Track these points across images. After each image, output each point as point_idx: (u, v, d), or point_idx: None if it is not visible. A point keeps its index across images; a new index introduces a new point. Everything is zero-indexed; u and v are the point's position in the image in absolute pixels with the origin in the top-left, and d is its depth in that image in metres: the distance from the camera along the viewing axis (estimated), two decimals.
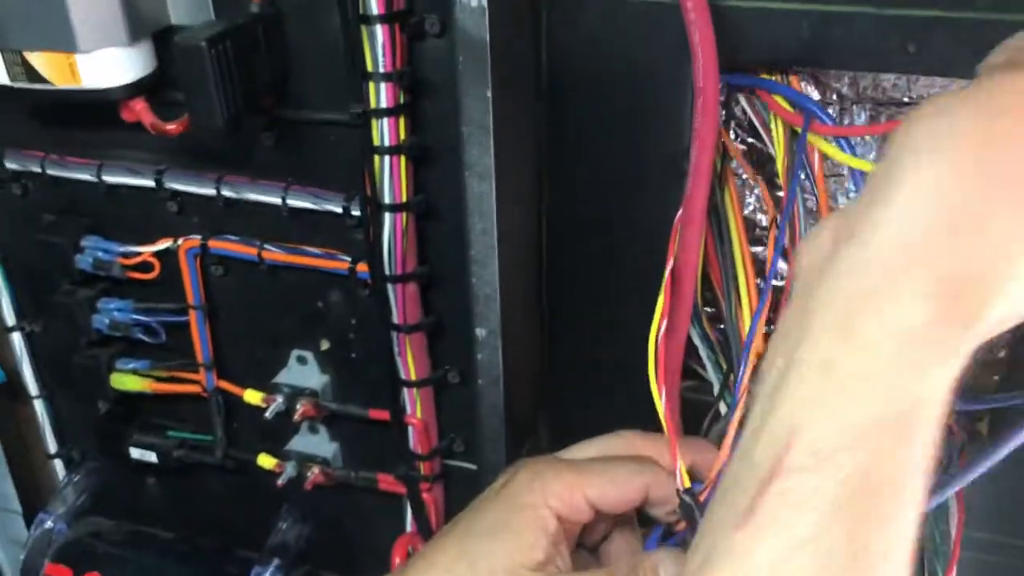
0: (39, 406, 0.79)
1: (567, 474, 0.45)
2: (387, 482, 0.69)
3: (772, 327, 0.56)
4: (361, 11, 0.51)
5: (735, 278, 0.56)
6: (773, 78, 0.53)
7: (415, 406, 0.64)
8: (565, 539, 0.45)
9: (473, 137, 0.44)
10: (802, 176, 0.51)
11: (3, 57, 0.56)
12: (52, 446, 0.81)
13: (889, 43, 0.47)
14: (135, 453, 0.76)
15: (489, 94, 0.43)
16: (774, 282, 0.55)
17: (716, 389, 0.59)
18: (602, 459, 0.48)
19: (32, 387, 0.78)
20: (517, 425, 0.56)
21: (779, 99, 0.51)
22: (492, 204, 0.46)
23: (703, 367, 0.60)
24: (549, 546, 0.43)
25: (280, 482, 0.70)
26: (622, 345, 0.58)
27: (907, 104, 0.56)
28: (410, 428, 0.64)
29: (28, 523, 0.86)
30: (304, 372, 0.69)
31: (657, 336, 0.51)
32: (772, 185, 0.56)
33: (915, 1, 0.46)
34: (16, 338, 0.76)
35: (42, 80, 0.56)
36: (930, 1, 0.45)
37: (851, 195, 0.59)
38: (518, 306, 0.53)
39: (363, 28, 0.51)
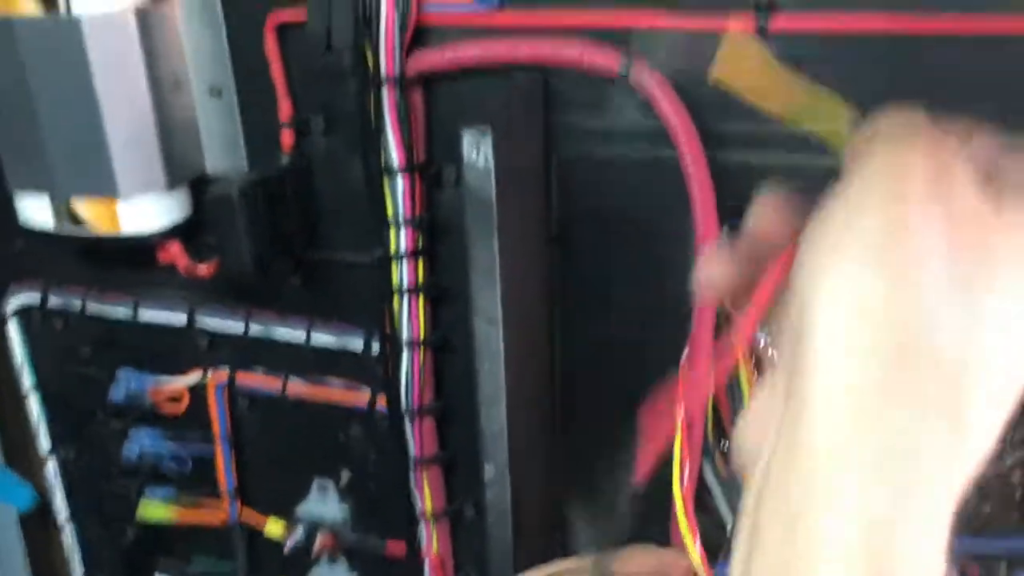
0: (68, 531, 0.81)
1: None
2: None
3: None
4: (383, 163, 0.54)
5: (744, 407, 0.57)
6: None
7: (431, 539, 0.64)
8: None
9: (481, 283, 0.47)
10: None
11: (51, 205, 0.60)
12: (79, 572, 0.82)
13: None
14: None
15: (495, 244, 0.46)
16: None
17: (729, 528, 0.59)
18: None
19: (62, 512, 0.80)
20: (527, 558, 0.56)
21: None
22: (500, 346, 0.48)
23: (715, 504, 0.61)
24: None
25: None
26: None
27: None
28: (426, 561, 0.64)
29: None
30: (325, 502, 0.70)
31: (682, 484, 0.51)
32: None
33: None
34: (51, 464, 0.78)
35: (85, 225, 0.60)
36: None
37: None
38: (529, 443, 0.54)
39: (385, 178, 0.55)
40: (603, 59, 0.49)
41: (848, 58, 0.47)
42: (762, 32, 0.47)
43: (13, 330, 0.73)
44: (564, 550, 0.64)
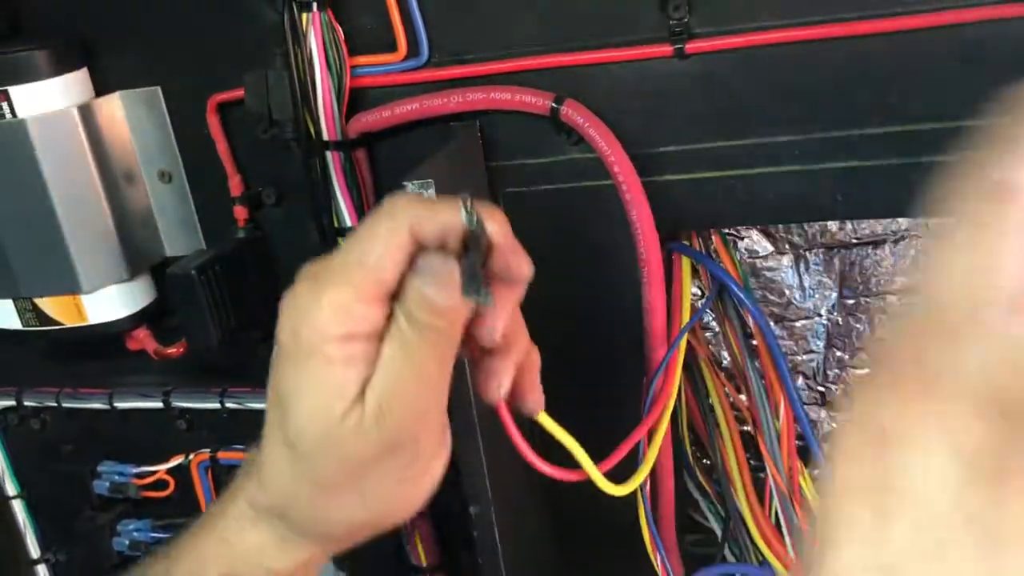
0: None
1: (332, 292, 0.34)
2: None
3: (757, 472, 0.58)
4: (336, 224, 0.56)
5: (717, 426, 0.58)
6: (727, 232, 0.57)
7: None
8: (368, 333, 0.35)
9: None
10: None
11: (16, 305, 0.60)
12: None
13: (819, 195, 0.50)
14: None
15: None
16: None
17: (720, 537, 0.59)
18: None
19: None
20: None
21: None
22: (468, 387, 0.49)
23: (705, 517, 0.61)
24: (350, 377, 0.34)
25: None
26: (617, 502, 0.59)
27: (856, 245, 0.59)
28: None
29: None
30: (320, 571, 0.70)
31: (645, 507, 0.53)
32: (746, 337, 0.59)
33: (837, 154, 0.50)
34: (42, 571, 0.77)
35: (52, 322, 0.60)
36: (851, 153, 0.49)
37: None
38: (509, 479, 0.55)
39: (340, 240, 0.56)
40: (534, 99, 0.51)
41: (760, 71, 0.49)
42: (680, 54, 0.49)
43: None
44: None
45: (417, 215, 0.35)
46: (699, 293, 0.61)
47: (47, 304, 0.60)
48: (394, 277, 0.35)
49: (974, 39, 0.46)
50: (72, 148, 0.57)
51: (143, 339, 0.63)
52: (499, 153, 0.54)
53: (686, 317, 0.55)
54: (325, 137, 0.53)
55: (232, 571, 0.39)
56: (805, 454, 0.57)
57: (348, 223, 0.55)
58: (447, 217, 0.34)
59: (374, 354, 0.35)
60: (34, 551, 0.76)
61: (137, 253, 0.61)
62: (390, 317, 0.35)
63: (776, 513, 0.57)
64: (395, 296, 0.35)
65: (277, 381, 0.36)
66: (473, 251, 0.34)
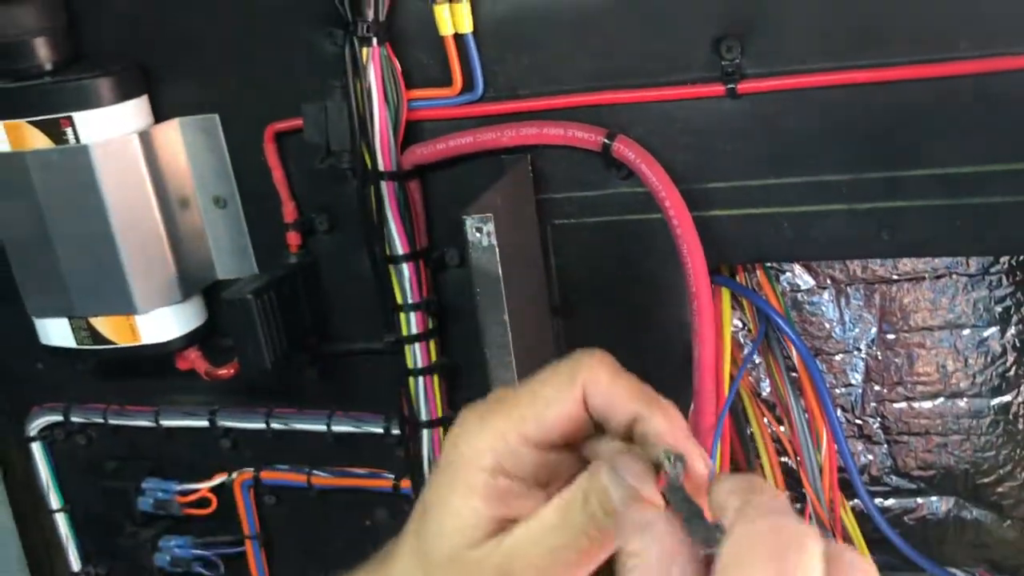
0: None
1: (495, 420, 0.36)
2: None
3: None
4: (388, 252, 0.57)
5: (758, 457, 0.59)
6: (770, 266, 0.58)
7: None
8: (519, 479, 0.36)
9: (496, 358, 0.49)
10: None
11: (71, 324, 0.62)
12: None
13: (865, 233, 0.51)
14: None
15: (506, 319, 0.48)
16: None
17: None
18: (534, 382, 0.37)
19: None
20: None
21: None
22: None
23: None
24: (488, 513, 0.35)
25: None
26: None
27: (896, 281, 0.60)
28: None
29: None
30: None
31: None
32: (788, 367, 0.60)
33: (882, 195, 0.51)
34: None
35: (106, 341, 0.62)
36: (895, 193, 0.50)
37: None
38: None
39: (391, 267, 0.57)
40: (586, 135, 0.52)
41: (810, 112, 0.50)
42: (732, 94, 0.50)
43: (37, 451, 0.74)
44: None
45: (594, 383, 0.35)
46: (739, 325, 0.62)
47: (101, 324, 0.62)
48: (560, 432, 0.35)
49: (1019, 86, 0.47)
50: (131, 173, 0.59)
51: (194, 359, 0.64)
52: (549, 186, 0.56)
53: (727, 347, 0.56)
54: (381, 168, 0.55)
55: None
56: (845, 487, 0.58)
57: (400, 251, 0.57)
58: (621, 403, 0.35)
59: (521, 500, 0.35)
60: (75, 564, 0.78)
61: (190, 276, 0.62)
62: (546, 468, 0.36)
63: None
64: (565, 446, 0.36)
65: (427, 487, 0.37)
66: (678, 500, 0.31)
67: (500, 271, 0.47)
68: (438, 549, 0.35)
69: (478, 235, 0.46)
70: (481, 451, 0.35)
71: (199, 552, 0.72)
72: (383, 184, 0.55)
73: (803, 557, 0.27)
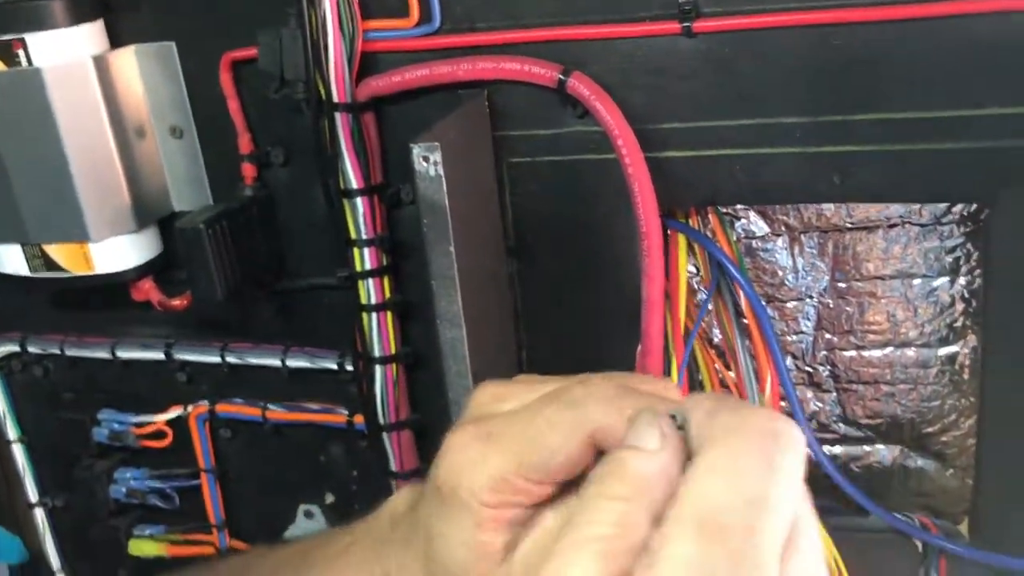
0: None
1: (496, 459, 0.34)
2: None
3: None
4: (342, 186, 0.57)
5: None
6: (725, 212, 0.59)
7: None
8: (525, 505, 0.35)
9: (441, 288, 0.49)
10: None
11: (24, 251, 0.62)
12: None
13: (816, 177, 0.52)
14: None
15: (452, 249, 0.48)
16: None
17: None
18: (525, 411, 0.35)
19: (55, 561, 0.81)
20: None
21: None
22: (464, 349, 0.50)
23: None
24: (500, 540, 0.34)
25: None
26: None
27: (850, 230, 0.61)
28: None
29: None
30: (312, 526, 0.72)
31: None
32: (738, 314, 0.60)
33: (834, 138, 0.51)
34: (39, 514, 0.79)
35: (59, 268, 0.62)
36: (848, 137, 0.50)
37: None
38: None
39: (345, 201, 0.57)
40: (542, 71, 0.52)
41: (766, 53, 0.50)
42: (688, 32, 0.50)
43: None
44: None
45: (605, 420, 0.32)
46: (693, 271, 0.62)
47: (55, 251, 0.61)
48: (566, 472, 0.33)
49: (976, 32, 0.47)
50: (86, 99, 0.58)
51: (148, 290, 0.64)
52: (506, 123, 0.55)
53: (683, 294, 0.57)
54: (335, 99, 0.54)
55: None
56: None
57: (354, 185, 0.56)
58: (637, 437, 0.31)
59: (529, 518, 0.34)
60: (32, 495, 0.78)
61: (145, 206, 0.62)
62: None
63: None
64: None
65: (428, 515, 0.36)
66: None
67: (447, 202, 0.47)
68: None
69: (424, 164, 0.46)
70: (482, 492, 0.34)
71: (155, 484, 0.73)
72: (337, 116, 0.55)
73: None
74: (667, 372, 0.55)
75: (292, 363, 0.65)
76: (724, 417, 0.29)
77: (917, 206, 0.58)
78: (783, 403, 0.58)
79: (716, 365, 0.61)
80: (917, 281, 0.60)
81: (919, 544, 0.58)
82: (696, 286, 0.62)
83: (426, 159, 0.46)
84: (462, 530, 0.34)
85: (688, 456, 0.29)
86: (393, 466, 0.63)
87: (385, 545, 0.39)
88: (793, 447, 0.28)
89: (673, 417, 0.29)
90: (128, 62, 0.60)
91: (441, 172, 0.46)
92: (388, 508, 0.40)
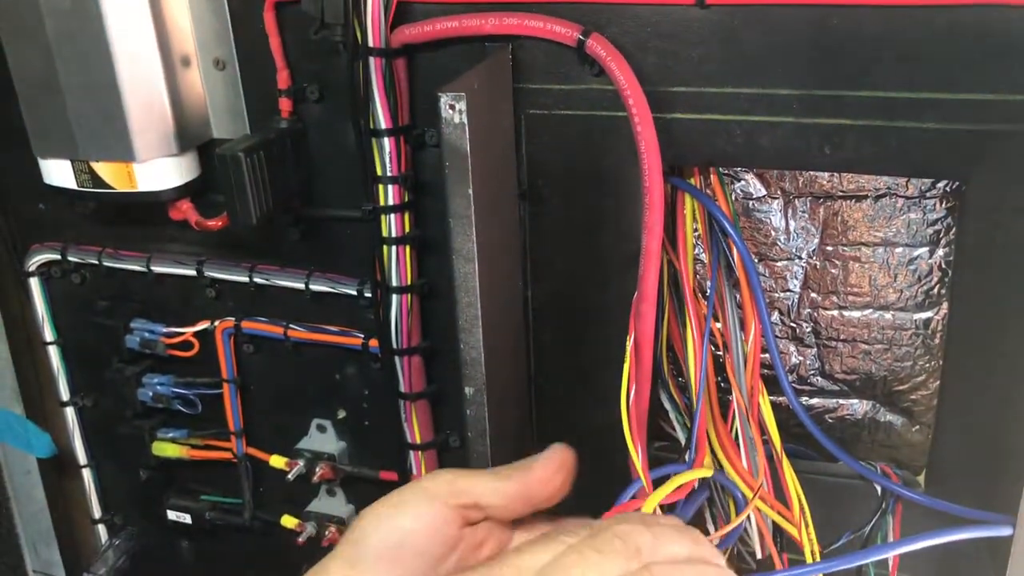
0: (87, 475, 0.88)
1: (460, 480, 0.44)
2: None
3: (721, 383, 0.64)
4: (372, 125, 0.61)
5: (685, 350, 0.64)
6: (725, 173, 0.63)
7: (420, 467, 0.72)
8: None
9: (458, 227, 0.54)
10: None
11: (73, 166, 0.66)
12: (97, 512, 0.89)
13: (808, 146, 0.56)
14: (172, 515, 0.84)
15: (470, 192, 0.53)
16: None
17: (683, 444, 0.66)
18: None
19: (81, 457, 0.87)
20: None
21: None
22: (475, 282, 0.55)
23: (673, 428, 0.68)
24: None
25: (301, 540, 0.78)
26: (599, 405, 0.66)
27: (840, 197, 0.65)
28: None
29: None
30: (323, 439, 0.77)
31: (628, 400, 0.59)
32: (730, 269, 0.65)
33: (827, 112, 0.55)
34: (69, 412, 0.85)
35: (104, 185, 0.66)
36: (839, 112, 0.54)
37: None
38: (503, 369, 0.61)
39: (373, 140, 0.61)
40: (563, 29, 0.56)
41: (771, 27, 0.54)
42: (700, 3, 0.54)
43: (35, 286, 0.80)
44: None
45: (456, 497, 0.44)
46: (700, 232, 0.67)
47: (102, 168, 0.66)
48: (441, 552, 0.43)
49: (961, 21, 0.50)
50: (138, 26, 0.62)
51: (186, 210, 0.69)
52: (526, 76, 0.60)
53: (690, 252, 0.62)
54: (370, 43, 0.59)
55: None
56: (772, 384, 0.64)
57: (382, 125, 0.61)
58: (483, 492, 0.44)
59: None
60: (64, 394, 0.84)
61: (187, 131, 0.67)
62: None
63: (736, 430, 0.63)
64: None
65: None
66: None
67: (468, 148, 0.52)
68: None
69: (450, 112, 0.51)
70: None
71: (179, 390, 0.78)
72: (371, 60, 0.59)
73: None
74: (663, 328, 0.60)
75: (315, 287, 0.71)
76: None
77: (904, 180, 0.63)
78: (764, 354, 0.63)
79: (705, 312, 0.66)
80: (899, 250, 0.65)
81: (879, 489, 0.64)
82: (696, 241, 0.67)
83: (452, 107, 0.50)
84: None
85: None
86: (402, 387, 0.69)
87: None
88: None
89: None
90: None
91: (465, 120, 0.50)
92: None
